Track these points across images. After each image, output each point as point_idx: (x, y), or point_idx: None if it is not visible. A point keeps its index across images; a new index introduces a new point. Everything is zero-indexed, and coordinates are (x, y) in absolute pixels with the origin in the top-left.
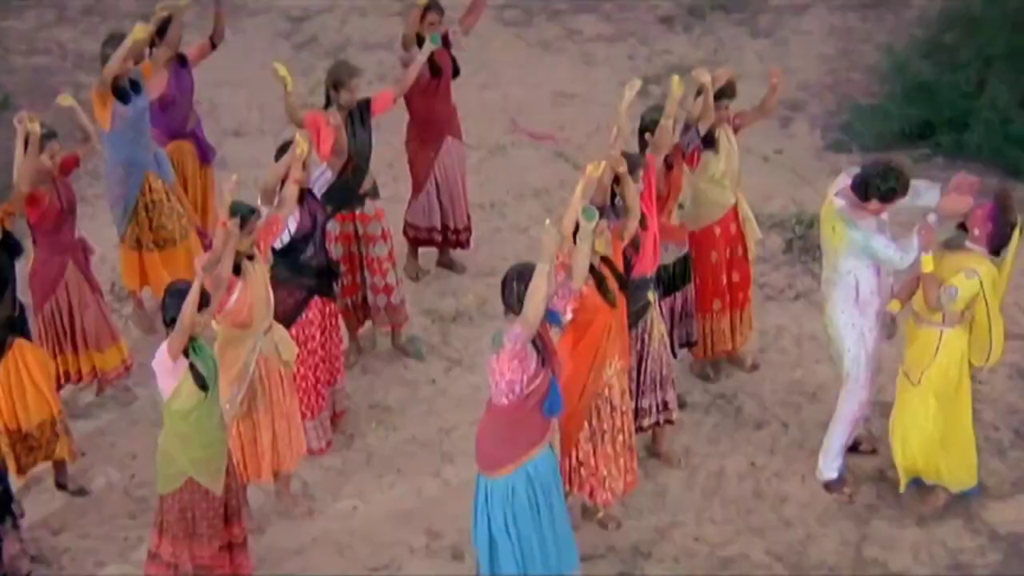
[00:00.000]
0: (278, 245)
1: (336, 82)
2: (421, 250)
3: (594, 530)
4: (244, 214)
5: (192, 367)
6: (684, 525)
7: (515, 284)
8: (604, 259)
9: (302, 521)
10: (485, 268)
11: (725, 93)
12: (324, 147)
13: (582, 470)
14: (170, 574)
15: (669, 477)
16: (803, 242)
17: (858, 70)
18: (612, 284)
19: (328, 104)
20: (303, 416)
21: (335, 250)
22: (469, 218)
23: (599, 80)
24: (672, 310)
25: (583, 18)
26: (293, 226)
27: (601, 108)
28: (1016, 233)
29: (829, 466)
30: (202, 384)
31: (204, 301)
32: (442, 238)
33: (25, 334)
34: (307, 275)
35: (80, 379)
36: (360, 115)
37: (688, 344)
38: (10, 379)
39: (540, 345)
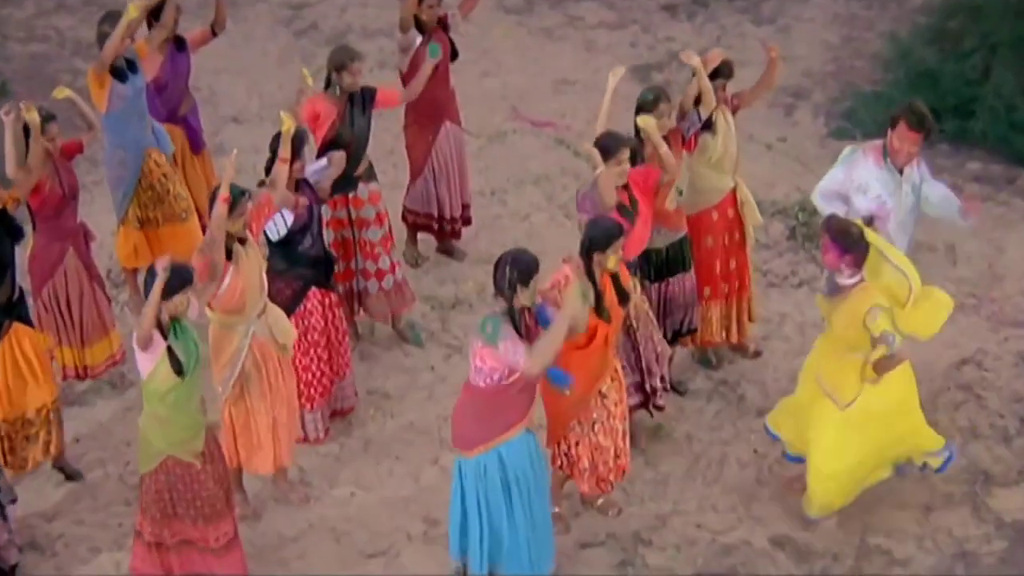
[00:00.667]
0: (275, 237)
1: (338, 66)
2: (420, 236)
3: (594, 517)
4: (235, 195)
5: (170, 350)
6: (685, 512)
7: (508, 268)
8: (611, 275)
9: (299, 508)
10: (485, 255)
11: (721, 73)
12: (320, 132)
13: (566, 458)
14: (151, 555)
15: (671, 464)
16: (806, 229)
17: (861, 57)
18: (610, 299)
19: (328, 86)
20: (302, 407)
21: (326, 235)
22: (466, 207)
23: (601, 67)
24: (663, 296)
25: (585, 5)
26: (290, 219)
27: (603, 95)
28: (868, 234)
29: None
30: (178, 369)
31: (180, 285)
32: (438, 227)
33: (24, 319)
34: (304, 265)
35: (80, 375)
36: (362, 102)
37: (686, 333)
38: (6, 364)
39: (527, 333)
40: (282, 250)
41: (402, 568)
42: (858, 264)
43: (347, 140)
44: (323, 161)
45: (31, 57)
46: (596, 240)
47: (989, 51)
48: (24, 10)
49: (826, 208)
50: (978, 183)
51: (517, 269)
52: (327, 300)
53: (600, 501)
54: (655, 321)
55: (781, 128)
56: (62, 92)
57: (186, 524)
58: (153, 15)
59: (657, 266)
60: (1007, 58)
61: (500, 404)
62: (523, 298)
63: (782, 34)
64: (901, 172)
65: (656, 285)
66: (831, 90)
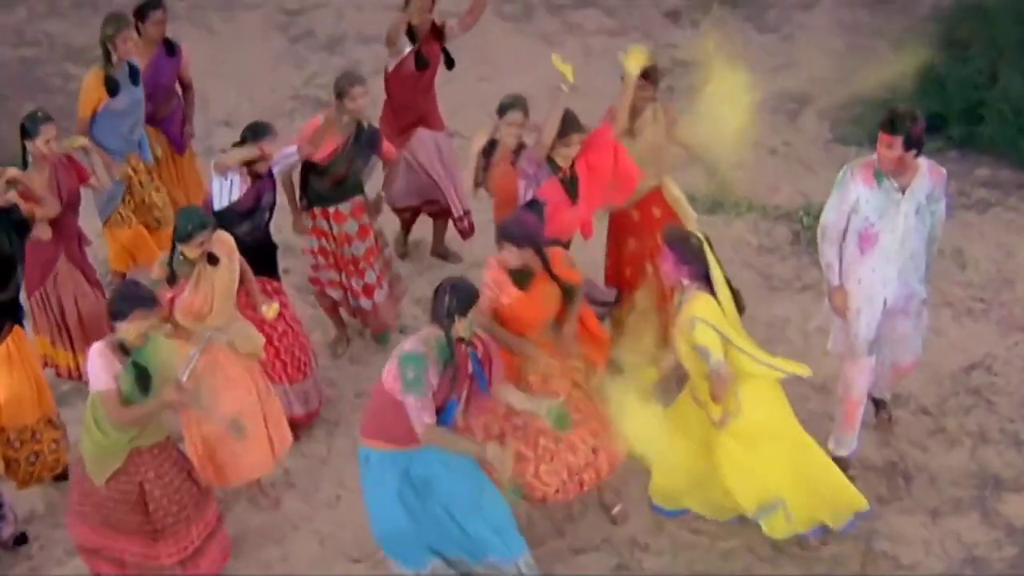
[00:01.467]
0: (217, 206)
1: (339, 92)
2: (414, 240)
3: (591, 521)
4: (198, 225)
5: (135, 365)
6: (683, 516)
7: (447, 297)
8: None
9: (273, 511)
10: (480, 258)
11: (650, 76)
12: (319, 151)
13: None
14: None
15: None
16: (810, 233)
17: (867, 63)
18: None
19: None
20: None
21: (310, 242)
22: (467, 212)
23: (600, 74)
24: None
25: (585, 12)
26: (236, 195)
27: (601, 102)
28: (708, 252)
29: (839, 442)
30: (144, 386)
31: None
32: (438, 209)
33: (20, 322)
34: (240, 250)
35: (76, 376)
36: (368, 143)
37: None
38: (12, 366)
39: (454, 373)
40: (218, 222)
41: (387, 572)
42: (694, 277)
43: (338, 174)
44: (291, 148)
45: (22, 61)
46: (459, 304)
47: (996, 55)
48: (15, 15)
49: (827, 254)
50: (986, 188)
51: (457, 297)
52: (267, 288)
53: (616, 510)
54: None
55: (785, 133)
56: (77, 141)
57: (88, 527)
58: (138, 17)
59: None
60: (1015, 62)
61: (400, 417)
62: (460, 328)
63: (786, 42)
64: (903, 192)
65: None
66: (836, 96)
